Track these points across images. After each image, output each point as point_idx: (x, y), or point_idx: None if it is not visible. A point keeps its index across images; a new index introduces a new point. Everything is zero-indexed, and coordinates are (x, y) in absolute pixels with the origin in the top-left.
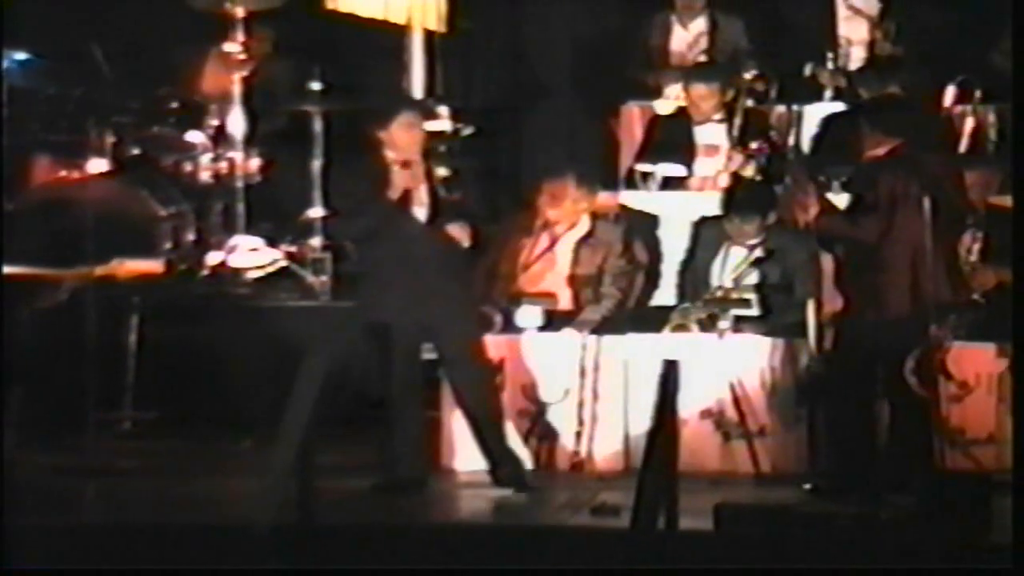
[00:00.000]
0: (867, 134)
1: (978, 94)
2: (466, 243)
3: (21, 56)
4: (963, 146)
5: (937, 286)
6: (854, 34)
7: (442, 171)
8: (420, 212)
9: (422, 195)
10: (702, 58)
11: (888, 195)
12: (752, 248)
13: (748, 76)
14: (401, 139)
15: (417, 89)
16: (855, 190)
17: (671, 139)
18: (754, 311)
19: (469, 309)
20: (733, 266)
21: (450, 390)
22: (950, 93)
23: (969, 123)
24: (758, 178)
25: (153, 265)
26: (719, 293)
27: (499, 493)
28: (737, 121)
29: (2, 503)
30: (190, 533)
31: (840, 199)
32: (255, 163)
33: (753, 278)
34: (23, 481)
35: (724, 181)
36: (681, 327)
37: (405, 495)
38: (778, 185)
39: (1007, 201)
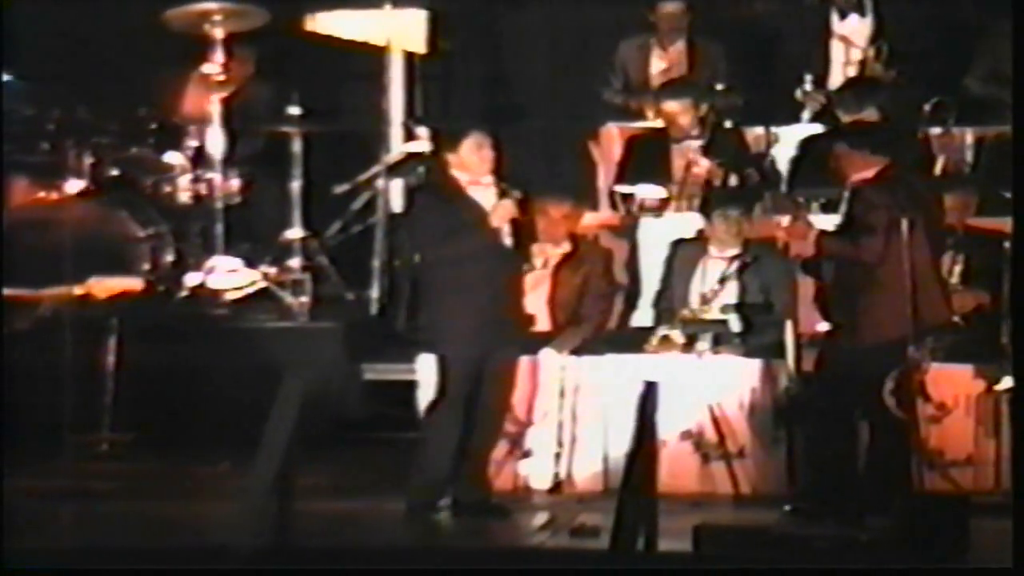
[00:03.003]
0: (855, 156)
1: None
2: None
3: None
4: (939, 168)
5: (918, 308)
6: (836, 56)
7: (516, 193)
8: (506, 235)
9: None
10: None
11: (883, 217)
12: (729, 261)
13: (719, 87)
14: (470, 160)
15: (397, 110)
16: (833, 212)
17: (650, 160)
18: (733, 328)
19: (523, 331)
20: (711, 282)
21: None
22: (926, 115)
23: (945, 145)
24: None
25: (131, 282)
26: (688, 313)
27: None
28: (707, 134)
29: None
30: (168, 556)
31: (820, 221)
32: (234, 184)
33: (729, 296)
34: (1, 503)
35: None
36: (659, 349)
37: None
38: (758, 203)
39: (985, 223)
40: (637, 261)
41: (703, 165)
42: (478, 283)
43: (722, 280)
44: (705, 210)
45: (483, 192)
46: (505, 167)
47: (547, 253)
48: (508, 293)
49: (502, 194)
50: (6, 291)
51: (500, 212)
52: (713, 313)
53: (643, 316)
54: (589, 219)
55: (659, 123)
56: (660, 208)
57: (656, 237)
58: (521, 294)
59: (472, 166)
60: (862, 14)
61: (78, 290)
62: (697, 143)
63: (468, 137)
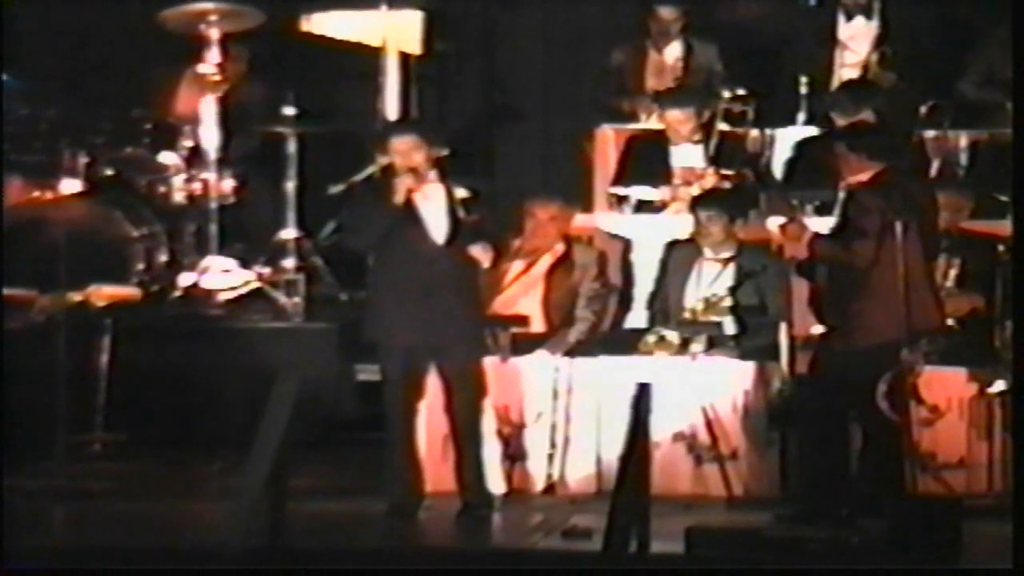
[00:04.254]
0: (851, 159)
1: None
2: (487, 264)
3: (3, 77)
4: (933, 171)
5: (910, 312)
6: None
7: (461, 192)
8: (439, 233)
9: (441, 216)
10: (676, 83)
11: (876, 221)
12: (724, 263)
13: (727, 95)
14: (398, 164)
15: (392, 111)
16: (828, 214)
17: (647, 162)
18: (728, 330)
19: (478, 330)
20: (706, 284)
21: (447, 410)
22: (922, 118)
23: (940, 148)
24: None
25: (130, 292)
26: (689, 315)
27: (469, 515)
28: (712, 143)
29: (2, 526)
30: (161, 556)
31: (815, 223)
32: (228, 184)
33: (726, 301)
34: (2, 504)
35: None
36: (655, 350)
37: (410, 519)
38: (752, 209)
39: (980, 227)
40: (631, 262)
41: (709, 178)
42: (405, 281)
43: (733, 288)
44: (694, 204)
45: (411, 176)
46: (499, 168)
47: (527, 250)
48: (449, 291)
49: (412, 171)
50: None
51: (399, 186)
52: (708, 313)
53: (638, 317)
54: (583, 220)
55: (655, 124)
56: (659, 208)
57: (651, 238)
58: (470, 292)
59: (401, 169)
60: (868, 17)
61: (77, 296)
62: (699, 150)
63: (390, 141)
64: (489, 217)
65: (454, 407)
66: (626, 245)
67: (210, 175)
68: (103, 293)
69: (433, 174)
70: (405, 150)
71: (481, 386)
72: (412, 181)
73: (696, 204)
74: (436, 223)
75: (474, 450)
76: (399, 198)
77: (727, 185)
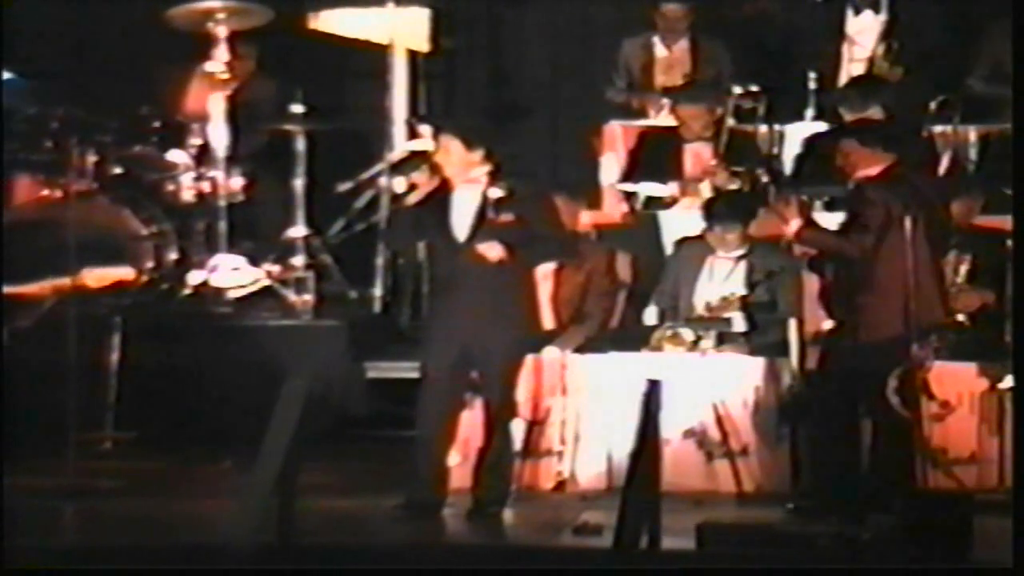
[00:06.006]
0: (863, 153)
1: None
2: (492, 260)
3: (3, 75)
4: (943, 166)
5: (921, 306)
6: (842, 54)
7: (496, 192)
8: (462, 231)
9: (468, 214)
10: (688, 79)
11: (880, 215)
12: (736, 260)
13: (738, 91)
14: (443, 161)
15: (400, 108)
16: (838, 210)
17: (659, 157)
18: (739, 327)
19: (516, 329)
20: (719, 281)
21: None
22: (932, 113)
23: (949, 143)
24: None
25: (123, 272)
26: (705, 312)
27: (480, 513)
28: (723, 139)
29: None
30: (170, 554)
31: (824, 219)
32: (237, 182)
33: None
34: (2, 502)
35: (707, 193)
36: (666, 345)
37: (427, 517)
38: (761, 207)
39: (990, 222)
40: (641, 259)
41: (721, 174)
42: (442, 279)
43: (751, 287)
44: (708, 212)
45: (470, 189)
46: (507, 164)
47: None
48: (478, 291)
49: (431, 168)
50: (9, 289)
51: (415, 182)
52: (722, 310)
53: (651, 313)
54: (591, 217)
55: (664, 121)
56: (668, 204)
57: (679, 234)
58: (503, 293)
59: (447, 167)
60: (876, 11)
61: (70, 281)
62: (711, 148)
63: (439, 140)
64: (529, 217)
65: (490, 406)
66: (657, 241)
67: (219, 173)
68: (97, 275)
69: (475, 172)
70: (440, 149)
71: (514, 386)
72: (426, 178)
73: (711, 216)
74: (461, 222)
75: (502, 449)
76: (412, 196)
77: (736, 184)
